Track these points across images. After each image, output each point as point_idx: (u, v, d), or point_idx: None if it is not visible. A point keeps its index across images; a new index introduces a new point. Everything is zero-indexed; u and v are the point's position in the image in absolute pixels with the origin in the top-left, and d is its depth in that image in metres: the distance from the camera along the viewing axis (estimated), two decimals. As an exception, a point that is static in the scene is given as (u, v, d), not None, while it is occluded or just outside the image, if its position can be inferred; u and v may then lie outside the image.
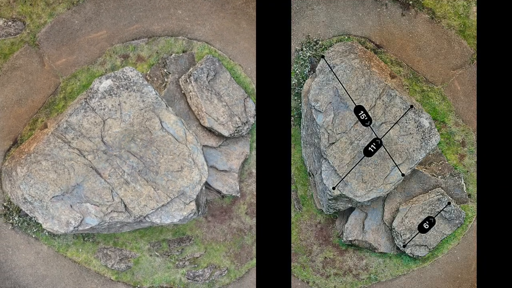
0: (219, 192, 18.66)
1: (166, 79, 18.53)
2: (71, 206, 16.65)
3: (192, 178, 16.79)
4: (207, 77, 18.02)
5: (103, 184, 16.61)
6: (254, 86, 18.82)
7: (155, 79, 18.60)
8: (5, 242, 18.52)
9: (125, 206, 16.70)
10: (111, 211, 16.68)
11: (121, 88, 16.60)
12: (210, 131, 18.39)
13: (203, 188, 17.53)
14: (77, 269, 18.78)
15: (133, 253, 18.90)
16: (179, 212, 16.88)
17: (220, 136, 18.40)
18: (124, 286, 18.91)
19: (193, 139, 16.89)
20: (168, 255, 18.99)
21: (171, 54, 18.62)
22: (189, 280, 19.05)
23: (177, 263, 19.00)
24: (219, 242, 19.13)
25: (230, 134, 18.06)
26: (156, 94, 16.73)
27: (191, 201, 16.87)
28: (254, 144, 18.96)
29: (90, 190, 16.59)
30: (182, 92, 18.47)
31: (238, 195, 18.64)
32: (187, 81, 18.05)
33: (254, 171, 19.01)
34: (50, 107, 18.53)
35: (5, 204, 18.47)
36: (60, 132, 16.50)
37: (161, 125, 16.69)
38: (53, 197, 16.55)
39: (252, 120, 18.40)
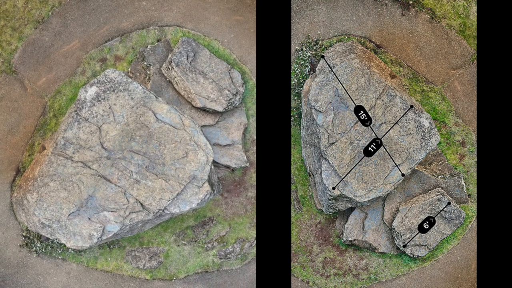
0: (228, 167, 18.75)
1: (148, 72, 18.54)
2: (89, 218, 16.71)
3: (199, 161, 16.86)
4: (187, 59, 18.04)
5: (115, 189, 16.66)
6: (235, 56, 18.86)
7: (138, 74, 18.60)
8: (34, 271, 18.59)
9: (142, 204, 16.77)
10: (129, 213, 16.75)
11: (108, 92, 16.59)
12: (204, 110, 18.44)
13: (212, 167, 17.59)
14: (110, 278, 18.88)
15: (161, 248, 19.00)
16: (195, 196, 16.97)
17: (215, 113, 18.47)
18: (161, 282, 19.03)
19: (190, 122, 16.94)
20: (195, 241, 19.12)
21: (147, 46, 18.62)
22: (221, 260, 19.20)
23: (205, 246, 19.14)
24: (241, 215, 19.25)
25: (224, 108, 18.12)
26: (143, 88, 16.74)
27: (204, 183, 16.96)
28: (250, 112, 19.04)
29: (104, 198, 16.64)
30: (168, 80, 18.49)
31: (247, 165, 18.75)
32: (169, 68, 18.07)
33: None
34: (43, 128, 18.52)
35: (24, 234, 18.53)
36: (60, 150, 16.50)
37: (156, 117, 16.72)
38: (69, 214, 16.60)
39: (242, 89, 18.46)
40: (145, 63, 18.55)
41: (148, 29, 18.66)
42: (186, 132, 16.85)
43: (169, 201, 16.79)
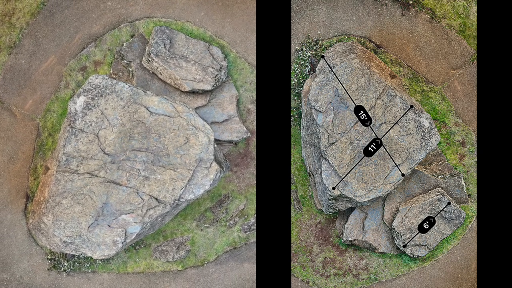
0: (230, 141, 18.81)
1: (130, 69, 18.53)
2: (109, 226, 16.78)
3: (201, 143, 16.93)
4: (165, 47, 18.05)
5: (126, 190, 16.72)
6: (210, 33, 18.86)
7: (121, 74, 18.60)
8: (68, 291, 18.74)
9: (156, 199, 16.84)
10: (147, 210, 16.82)
11: (96, 98, 16.60)
12: (193, 93, 18.48)
13: (215, 145, 17.66)
14: (144, 278, 18.99)
15: (185, 237, 19.11)
16: (206, 178, 17.06)
17: (205, 92, 18.52)
18: (194, 270, 19.15)
19: (183, 107, 17.00)
20: (217, 221, 19.24)
21: (123, 44, 18.59)
22: (246, 233, 19.34)
23: (228, 223, 19.27)
24: (254, 186, 19.33)
25: (213, 86, 18.18)
26: (129, 86, 16.77)
27: (211, 163, 17.05)
28: (238, 83, 19.08)
29: (118, 202, 16.70)
30: (151, 72, 18.49)
31: (248, 135, 18.82)
32: (149, 61, 18.08)
33: (250, 107, 19.17)
34: (42, 150, 18.51)
35: (49, 257, 18.58)
36: (64, 167, 16.52)
37: (149, 110, 16.76)
38: (88, 226, 16.65)
39: (225, 63, 18.50)
40: (125, 61, 18.53)
41: (120, 27, 18.63)
42: (182, 118, 16.91)
43: (182, 189, 16.88)
